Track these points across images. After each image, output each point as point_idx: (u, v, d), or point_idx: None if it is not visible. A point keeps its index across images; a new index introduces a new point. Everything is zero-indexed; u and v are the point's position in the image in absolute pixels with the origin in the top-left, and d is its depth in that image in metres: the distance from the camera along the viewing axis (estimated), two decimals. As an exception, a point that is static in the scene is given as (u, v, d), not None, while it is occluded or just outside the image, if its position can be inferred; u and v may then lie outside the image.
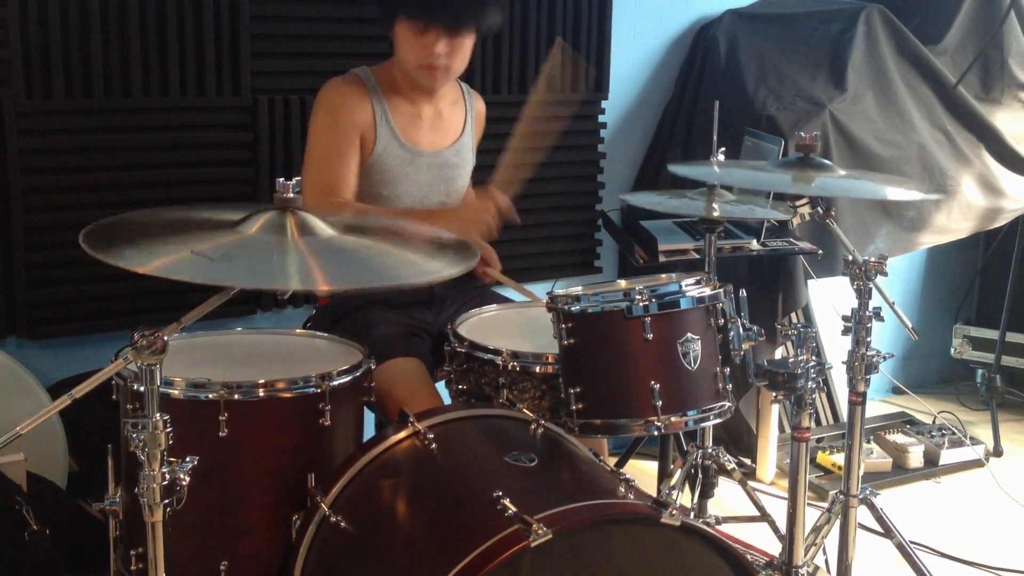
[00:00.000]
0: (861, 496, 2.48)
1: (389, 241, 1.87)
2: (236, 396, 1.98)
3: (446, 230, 2.43)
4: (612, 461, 2.99)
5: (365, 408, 2.24)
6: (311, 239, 1.71)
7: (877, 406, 4.14)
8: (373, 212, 2.52)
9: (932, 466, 3.64)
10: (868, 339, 2.37)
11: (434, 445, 1.96)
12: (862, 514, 2.51)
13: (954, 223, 3.67)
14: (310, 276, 1.66)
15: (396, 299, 2.59)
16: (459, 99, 2.74)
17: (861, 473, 2.49)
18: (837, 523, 2.51)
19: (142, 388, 1.61)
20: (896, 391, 4.20)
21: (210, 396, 1.97)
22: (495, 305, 2.62)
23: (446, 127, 2.69)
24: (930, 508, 3.42)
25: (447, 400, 2.41)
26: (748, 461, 3.53)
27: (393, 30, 2.53)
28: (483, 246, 2.66)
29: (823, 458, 3.59)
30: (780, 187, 2.46)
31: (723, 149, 2.67)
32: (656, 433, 2.11)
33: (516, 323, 2.54)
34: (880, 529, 2.55)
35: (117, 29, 2.77)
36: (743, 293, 2.37)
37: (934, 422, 3.95)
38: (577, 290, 2.16)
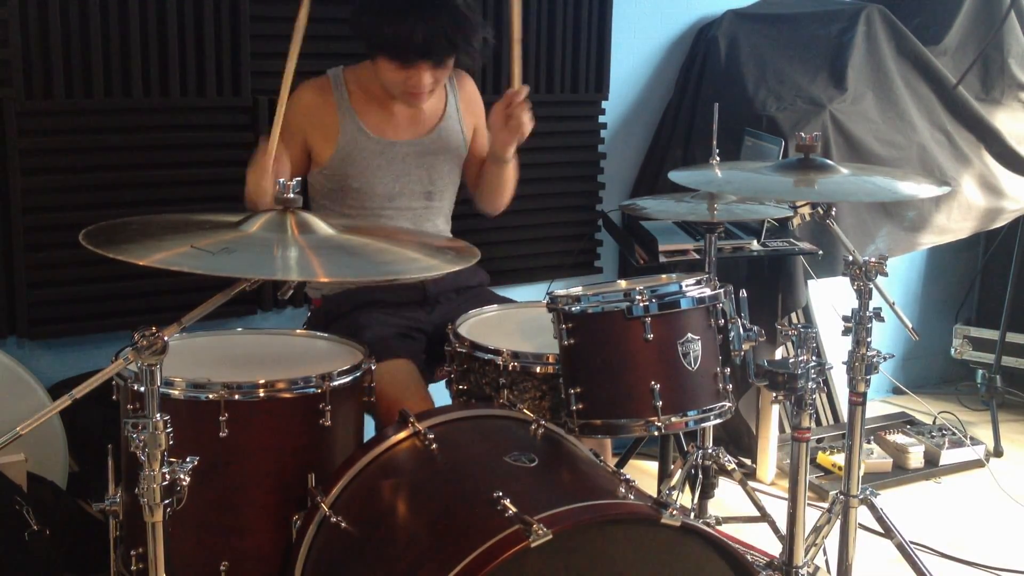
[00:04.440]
0: (861, 496, 2.48)
1: (388, 240, 1.87)
2: (236, 396, 1.99)
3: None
4: (613, 461, 2.99)
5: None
6: (311, 236, 1.72)
7: (877, 406, 4.14)
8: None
9: (932, 466, 3.64)
10: (868, 339, 2.37)
11: (434, 445, 1.96)
12: (862, 514, 2.51)
13: (954, 223, 3.67)
14: (310, 268, 1.66)
15: (388, 300, 2.59)
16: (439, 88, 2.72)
17: (861, 473, 2.49)
18: (837, 523, 2.50)
19: (142, 388, 1.61)
20: (896, 391, 4.19)
21: (210, 396, 1.97)
22: (495, 305, 2.62)
23: (424, 116, 2.68)
24: (930, 508, 3.42)
25: (440, 400, 2.41)
26: (748, 461, 3.53)
27: (375, 60, 2.52)
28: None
29: (823, 458, 3.59)
30: (782, 193, 2.45)
31: (718, 151, 2.67)
32: (656, 433, 2.12)
33: (516, 323, 2.54)
34: (880, 529, 2.55)
35: (117, 29, 2.76)
36: (743, 293, 2.38)
37: (934, 422, 3.95)
38: (577, 290, 2.16)
